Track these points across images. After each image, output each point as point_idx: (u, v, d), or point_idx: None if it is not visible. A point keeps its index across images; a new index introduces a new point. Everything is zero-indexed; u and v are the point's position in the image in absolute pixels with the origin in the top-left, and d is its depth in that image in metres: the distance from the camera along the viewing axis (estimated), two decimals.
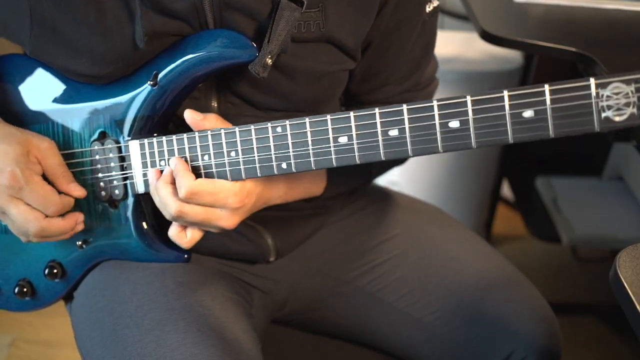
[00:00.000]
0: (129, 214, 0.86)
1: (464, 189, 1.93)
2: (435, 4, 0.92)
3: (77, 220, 0.85)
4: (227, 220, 0.81)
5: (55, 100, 0.86)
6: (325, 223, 1.04)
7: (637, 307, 0.60)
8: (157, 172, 0.82)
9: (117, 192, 0.86)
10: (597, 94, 0.63)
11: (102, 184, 0.86)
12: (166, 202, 0.80)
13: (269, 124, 0.76)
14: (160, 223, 0.89)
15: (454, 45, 1.90)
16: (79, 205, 0.87)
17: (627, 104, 0.63)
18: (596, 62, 1.06)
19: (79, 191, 0.84)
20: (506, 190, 2.19)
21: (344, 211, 1.06)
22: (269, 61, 0.78)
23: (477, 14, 1.28)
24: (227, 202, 0.79)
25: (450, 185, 1.90)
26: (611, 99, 0.63)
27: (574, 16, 1.30)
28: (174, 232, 0.84)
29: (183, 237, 0.83)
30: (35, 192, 0.80)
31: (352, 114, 0.72)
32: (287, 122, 0.75)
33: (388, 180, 1.81)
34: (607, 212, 1.82)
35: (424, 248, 1.03)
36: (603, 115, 0.64)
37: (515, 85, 1.84)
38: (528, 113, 0.66)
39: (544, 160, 2.00)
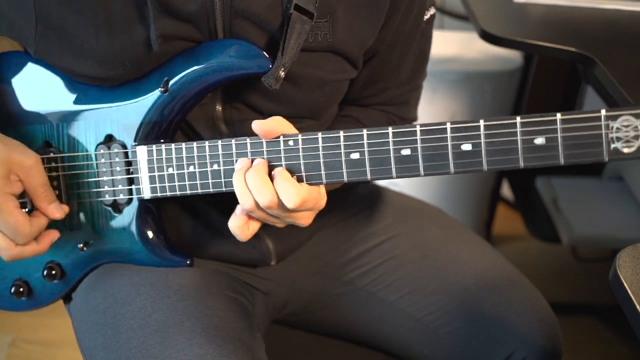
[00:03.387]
0: (133, 219, 0.86)
1: (464, 189, 1.93)
2: (432, 12, 0.94)
3: (51, 241, 0.84)
4: (310, 218, 0.79)
5: (61, 101, 0.85)
6: (326, 224, 1.04)
7: (637, 307, 0.60)
8: (248, 160, 0.77)
9: (121, 196, 0.85)
10: (607, 125, 0.64)
11: (106, 187, 0.85)
12: (261, 190, 0.73)
13: (281, 137, 0.75)
14: (164, 228, 0.89)
15: (454, 45, 1.90)
16: (82, 208, 0.87)
17: (636, 137, 0.64)
18: (596, 62, 1.06)
19: (58, 212, 0.83)
20: (506, 190, 2.19)
21: (344, 212, 1.06)
22: (282, 74, 0.78)
23: (477, 14, 1.29)
24: (319, 204, 0.78)
25: (450, 185, 1.90)
26: (620, 131, 0.64)
27: (574, 16, 1.30)
28: (237, 224, 0.78)
29: (245, 230, 0.78)
30: (6, 222, 0.78)
31: (365, 131, 0.73)
32: (300, 136, 0.75)
33: (389, 180, 1.81)
34: (607, 212, 1.82)
35: (424, 248, 1.03)
36: (612, 146, 0.65)
37: (515, 85, 1.84)
38: (539, 140, 0.67)
39: None
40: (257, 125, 0.75)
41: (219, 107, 0.85)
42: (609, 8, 1.33)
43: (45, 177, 0.82)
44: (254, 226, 0.79)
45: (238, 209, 0.78)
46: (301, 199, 0.73)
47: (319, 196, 0.77)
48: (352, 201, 1.07)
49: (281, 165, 0.76)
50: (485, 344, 0.96)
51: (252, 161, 0.77)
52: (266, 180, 0.74)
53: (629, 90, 0.96)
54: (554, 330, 0.96)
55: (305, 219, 0.78)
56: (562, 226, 1.75)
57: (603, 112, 0.64)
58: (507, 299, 0.96)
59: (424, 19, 0.93)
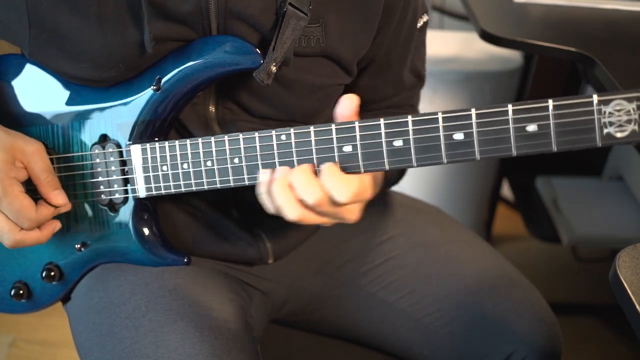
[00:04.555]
0: (129, 218, 0.86)
1: (464, 189, 1.93)
2: (425, 19, 0.95)
3: (53, 230, 0.84)
4: (358, 212, 0.77)
5: (56, 102, 0.86)
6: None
7: (637, 307, 0.60)
8: (269, 171, 0.75)
9: (117, 195, 0.85)
10: (600, 110, 0.64)
11: (102, 187, 0.85)
12: (308, 189, 0.71)
13: (274, 132, 0.75)
14: (160, 227, 0.89)
15: (454, 45, 1.90)
16: (78, 208, 0.87)
17: (629, 121, 0.64)
18: (596, 62, 1.06)
19: (61, 199, 0.82)
20: (506, 190, 2.19)
21: None
22: (274, 69, 0.78)
23: (477, 14, 1.29)
24: (366, 196, 0.76)
25: (450, 185, 1.90)
26: (613, 115, 0.64)
27: (574, 16, 1.30)
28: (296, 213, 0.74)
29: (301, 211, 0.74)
30: (11, 205, 0.78)
31: (357, 123, 0.72)
32: (292, 130, 0.75)
33: None
34: (607, 212, 1.82)
35: (424, 248, 1.03)
36: (605, 131, 0.65)
37: (515, 85, 1.84)
38: (531, 127, 0.67)
39: (544, 160, 2.00)
40: (349, 100, 0.73)
41: (211, 108, 0.85)
42: (609, 8, 1.33)
43: (49, 164, 0.82)
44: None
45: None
46: (352, 194, 0.71)
47: (366, 186, 0.75)
48: None
49: (274, 161, 0.75)
50: (485, 344, 0.96)
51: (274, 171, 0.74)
52: (311, 178, 0.72)
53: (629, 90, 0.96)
54: (554, 330, 0.96)
55: (354, 213, 0.76)
56: (562, 226, 1.75)
57: (595, 97, 0.64)
58: (507, 299, 0.96)
59: (418, 26, 0.93)
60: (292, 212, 0.73)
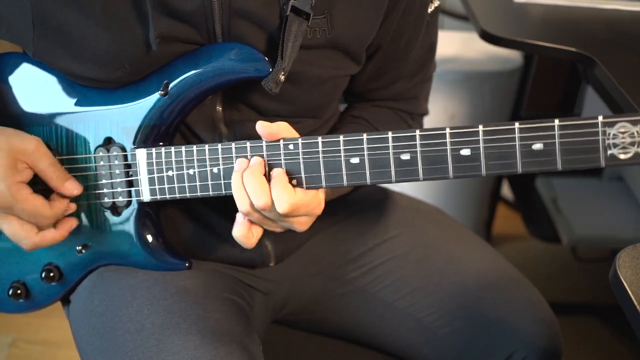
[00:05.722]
0: (132, 221, 0.86)
1: (464, 189, 1.93)
2: (436, 3, 0.94)
3: (70, 228, 0.84)
4: (306, 224, 0.79)
5: (60, 103, 0.85)
6: (326, 225, 1.04)
7: (637, 307, 0.60)
8: (246, 161, 0.77)
9: (120, 199, 0.85)
10: (604, 131, 0.65)
11: (105, 190, 0.85)
12: (256, 192, 0.73)
13: (281, 141, 0.76)
14: (163, 231, 0.89)
15: (454, 45, 1.90)
16: (81, 210, 0.87)
17: (633, 143, 0.65)
18: (596, 62, 1.06)
19: (76, 189, 0.82)
20: (506, 190, 2.19)
21: (344, 213, 1.06)
22: (282, 77, 0.78)
23: (477, 14, 1.29)
24: (315, 211, 0.77)
25: (450, 185, 1.90)
26: (617, 137, 0.65)
27: (574, 16, 1.30)
28: (241, 232, 0.77)
29: (250, 237, 0.78)
30: (24, 210, 0.78)
31: (365, 136, 0.73)
32: (300, 140, 0.75)
33: None
34: (607, 212, 1.82)
35: (424, 248, 1.03)
36: (609, 152, 0.66)
37: (515, 85, 1.84)
38: (537, 145, 0.67)
39: None
40: (261, 127, 0.75)
41: (219, 108, 0.85)
42: (609, 8, 1.33)
43: (52, 157, 0.81)
44: (258, 232, 0.79)
45: (239, 217, 0.78)
46: (290, 205, 0.73)
47: (314, 202, 0.76)
48: (352, 202, 1.07)
49: (281, 169, 0.76)
50: (485, 344, 0.96)
51: (250, 161, 0.76)
52: (262, 182, 0.74)
53: (629, 90, 0.96)
54: (554, 331, 0.96)
55: (301, 225, 0.78)
56: (562, 226, 1.75)
57: (600, 118, 0.65)
58: (507, 299, 0.96)
59: (429, 12, 0.93)
60: (242, 204, 0.75)
